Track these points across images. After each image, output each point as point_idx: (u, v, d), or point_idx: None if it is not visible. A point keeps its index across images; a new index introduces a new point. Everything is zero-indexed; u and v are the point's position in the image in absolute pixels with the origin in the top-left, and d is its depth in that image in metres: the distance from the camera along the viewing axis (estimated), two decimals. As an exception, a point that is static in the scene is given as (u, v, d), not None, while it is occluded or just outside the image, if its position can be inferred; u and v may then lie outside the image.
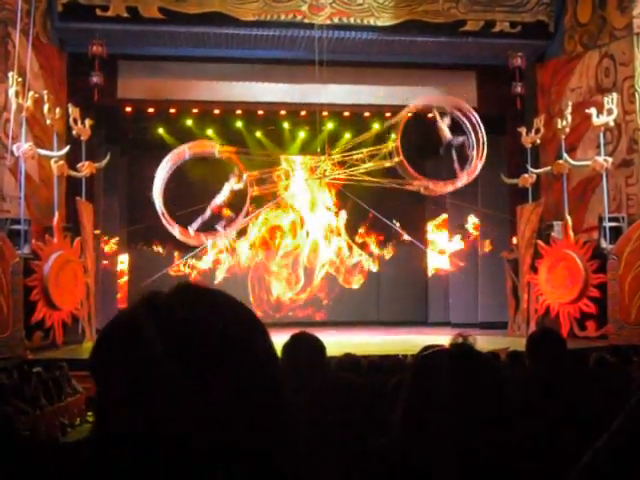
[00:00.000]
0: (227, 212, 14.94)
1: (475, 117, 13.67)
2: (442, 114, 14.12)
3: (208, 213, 14.63)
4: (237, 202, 14.91)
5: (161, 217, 13.90)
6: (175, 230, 14.16)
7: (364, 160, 14.54)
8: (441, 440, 1.40)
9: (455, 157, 13.91)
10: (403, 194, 15.13)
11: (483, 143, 13.55)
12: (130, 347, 0.79)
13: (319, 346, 2.97)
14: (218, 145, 14.51)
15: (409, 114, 14.11)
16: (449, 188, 14.33)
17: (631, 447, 0.90)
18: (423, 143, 15.91)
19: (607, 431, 0.93)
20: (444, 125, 14.05)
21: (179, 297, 0.85)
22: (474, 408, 1.41)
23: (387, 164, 14.40)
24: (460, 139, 13.91)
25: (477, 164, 13.72)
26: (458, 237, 17.58)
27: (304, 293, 16.47)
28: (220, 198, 14.72)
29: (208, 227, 14.71)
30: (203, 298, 0.85)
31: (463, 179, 13.91)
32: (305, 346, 2.92)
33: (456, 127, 14.01)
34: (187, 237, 14.46)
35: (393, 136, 14.30)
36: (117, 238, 16.53)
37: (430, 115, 14.33)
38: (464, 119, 13.78)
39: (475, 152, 13.62)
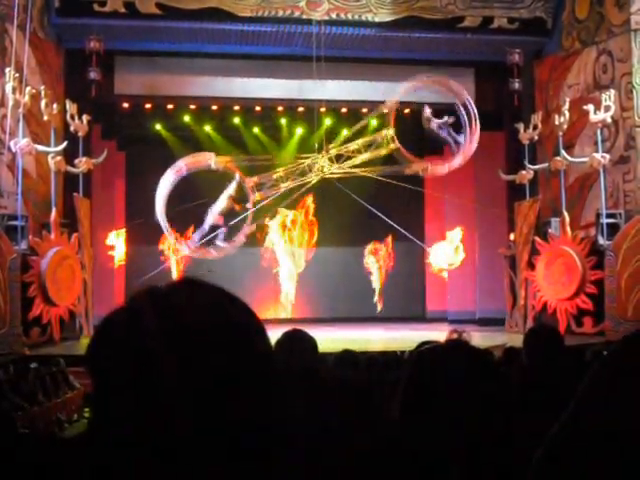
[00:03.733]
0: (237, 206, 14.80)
1: (465, 96, 13.47)
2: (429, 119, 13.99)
3: (207, 225, 14.52)
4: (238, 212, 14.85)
5: (168, 236, 13.99)
6: (184, 248, 14.20)
7: (360, 151, 14.46)
8: (439, 436, 1.40)
9: (450, 138, 13.76)
10: (402, 191, 15.11)
11: (475, 120, 13.39)
12: (127, 342, 0.79)
13: (311, 343, 2.98)
14: (214, 156, 14.40)
15: (397, 101, 13.93)
16: (446, 168, 14.09)
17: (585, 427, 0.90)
18: (421, 139, 15.90)
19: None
20: (433, 123, 13.95)
21: (177, 292, 0.85)
22: (471, 404, 1.42)
23: (384, 152, 14.28)
24: (444, 119, 13.74)
25: (472, 142, 13.54)
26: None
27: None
28: (218, 207, 14.60)
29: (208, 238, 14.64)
30: (201, 293, 0.85)
31: (459, 159, 13.74)
32: (297, 343, 2.92)
33: (448, 109, 13.85)
34: (196, 253, 14.47)
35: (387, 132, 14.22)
36: (114, 234, 16.51)
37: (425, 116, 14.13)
38: (453, 97, 13.60)
39: (468, 130, 13.46)
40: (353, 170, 14.46)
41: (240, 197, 14.87)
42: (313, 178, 14.71)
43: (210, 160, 14.29)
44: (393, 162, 14.43)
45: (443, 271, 16.43)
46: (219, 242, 14.60)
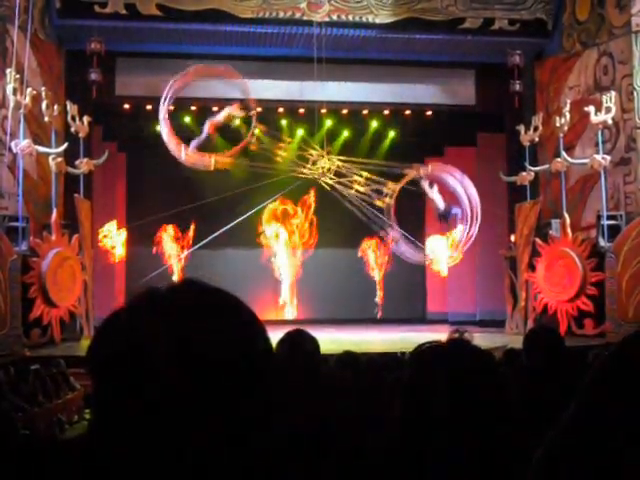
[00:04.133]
0: None
1: (469, 188, 13.93)
2: (431, 183, 14.26)
3: (205, 133, 14.23)
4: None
5: (169, 143, 13.69)
6: (182, 154, 13.85)
7: (359, 183, 14.67)
8: (440, 436, 1.40)
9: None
10: (401, 191, 15.11)
11: (477, 215, 13.73)
12: (128, 343, 0.79)
13: (313, 343, 2.98)
14: (213, 158, 14.29)
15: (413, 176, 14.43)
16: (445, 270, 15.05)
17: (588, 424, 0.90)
18: (421, 140, 15.93)
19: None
20: (435, 195, 14.25)
21: (177, 293, 0.85)
22: (471, 404, 1.41)
23: (377, 202, 14.58)
24: (453, 210, 14.10)
25: (470, 234, 13.95)
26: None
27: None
28: (218, 118, 14.35)
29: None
30: (202, 294, 0.85)
31: (455, 255, 14.23)
32: (299, 343, 2.92)
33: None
34: (194, 161, 14.11)
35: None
36: (115, 235, 16.50)
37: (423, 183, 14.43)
38: (458, 189, 14.02)
39: (468, 225, 13.85)
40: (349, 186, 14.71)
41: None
42: (314, 173, 14.77)
43: (211, 161, 14.21)
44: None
45: (443, 268, 16.47)
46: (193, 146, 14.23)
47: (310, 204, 17.21)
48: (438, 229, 18.03)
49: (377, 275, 17.73)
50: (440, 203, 14.26)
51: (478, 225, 13.82)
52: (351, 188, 14.69)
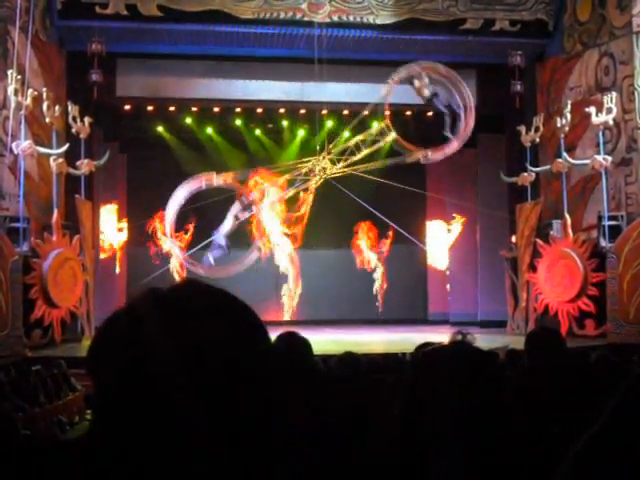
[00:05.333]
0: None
1: (458, 80, 13.38)
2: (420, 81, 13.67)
3: (223, 244, 14.26)
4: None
5: (184, 261, 13.90)
6: (200, 270, 13.97)
7: (360, 147, 14.39)
8: (441, 437, 1.40)
9: (444, 108, 13.70)
10: (403, 192, 15.12)
11: (470, 103, 13.35)
12: (129, 344, 0.79)
13: (306, 345, 2.97)
14: (214, 175, 14.20)
15: (390, 88, 13.80)
16: (445, 152, 13.89)
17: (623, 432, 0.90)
18: (423, 140, 15.90)
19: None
20: (420, 84, 13.71)
21: (178, 294, 0.85)
22: (474, 405, 1.41)
23: (382, 144, 14.23)
24: (439, 93, 13.65)
25: (468, 125, 13.50)
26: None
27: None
28: (225, 227, 14.35)
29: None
30: (204, 294, 0.85)
31: (456, 143, 13.67)
32: (292, 345, 2.92)
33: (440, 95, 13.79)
34: (214, 272, 14.03)
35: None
36: (116, 235, 16.54)
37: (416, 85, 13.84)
38: (446, 81, 13.52)
39: (463, 113, 13.44)
40: (355, 167, 14.37)
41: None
42: (316, 181, 14.69)
43: (213, 179, 14.11)
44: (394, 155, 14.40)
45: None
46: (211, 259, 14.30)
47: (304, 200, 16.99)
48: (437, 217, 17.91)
49: (374, 263, 17.18)
50: (425, 91, 13.67)
51: (474, 116, 13.40)
52: (359, 157, 14.27)
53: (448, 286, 18.52)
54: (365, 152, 14.23)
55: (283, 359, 2.75)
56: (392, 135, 13.86)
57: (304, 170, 14.78)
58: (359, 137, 14.35)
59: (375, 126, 14.20)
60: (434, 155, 14.03)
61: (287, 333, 3.01)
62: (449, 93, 13.51)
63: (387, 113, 13.83)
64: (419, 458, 1.41)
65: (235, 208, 14.47)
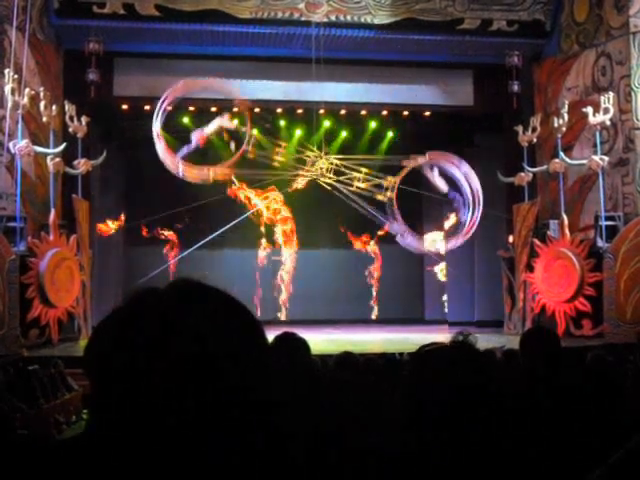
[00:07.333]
0: None
1: (469, 173, 13.98)
2: (431, 167, 14.36)
3: (194, 143, 14.04)
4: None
5: (163, 157, 13.57)
6: (179, 170, 13.63)
7: (359, 179, 14.68)
8: (440, 437, 1.40)
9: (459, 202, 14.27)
10: (401, 193, 15.12)
11: (479, 199, 13.76)
12: (125, 343, 0.79)
13: (304, 344, 2.98)
14: (212, 171, 14.17)
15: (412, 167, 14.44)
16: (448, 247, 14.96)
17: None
18: (420, 140, 15.92)
19: (602, 429, 0.94)
20: (436, 179, 14.32)
21: (176, 293, 0.85)
22: (473, 405, 1.41)
23: (379, 196, 14.63)
24: (451, 195, 14.28)
25: (473, 222, 13.96)
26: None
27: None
28: (209, 129, 14.21)
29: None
30: (199, 294, 0.85)
31: (459, 240, 14.22)
32: (290, 345, 2.92)
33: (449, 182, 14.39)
34: (192, 175, 13.86)
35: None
36: (113, 235, 16.49)
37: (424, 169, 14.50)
38: (457, 174, 14.08)
39: (470, 209, 13.82)
40: (349, 178, 14.69)
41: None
42: (313, 174, 14.78)
43: (209, 174, 14.09)
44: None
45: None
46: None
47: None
48: (435, 226, 18.15)
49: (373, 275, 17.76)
50: (443, 186, 14.28)
51: (480, 210, 13.78)
52: (351, 185, 14.69)
53: (445, 285, 18.52)
54: (360, 185, 14.63)
55: (282, 359, 2.75)
56: (391, 194, 14.49)
57: (307, 159, 14.87)
58: (364, 172, 14.67)
59: (389, 179, 14.67)
60: (411, 242, 14.86)
61: (285, 333, 3.01)
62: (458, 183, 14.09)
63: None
64: (418, 457, 1.41)
65: (225, 120, 14.28)
